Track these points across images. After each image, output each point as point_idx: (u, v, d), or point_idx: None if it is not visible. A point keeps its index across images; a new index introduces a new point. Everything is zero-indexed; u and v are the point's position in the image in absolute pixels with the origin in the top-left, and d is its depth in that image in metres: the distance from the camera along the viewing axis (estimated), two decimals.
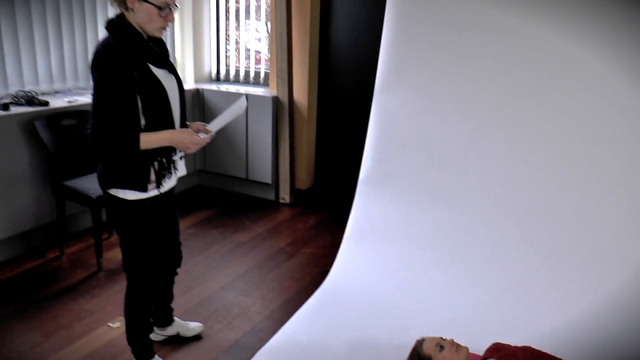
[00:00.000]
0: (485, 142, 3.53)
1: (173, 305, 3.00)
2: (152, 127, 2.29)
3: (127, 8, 2.26)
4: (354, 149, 3.92)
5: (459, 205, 3.59)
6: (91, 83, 2.27)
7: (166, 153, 2.39)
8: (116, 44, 2.21)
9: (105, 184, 2.36)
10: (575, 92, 3.27)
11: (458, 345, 2.49)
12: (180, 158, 2.52)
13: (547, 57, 3.32)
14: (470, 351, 2.60)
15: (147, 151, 2.30)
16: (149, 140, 2.26)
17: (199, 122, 2.63)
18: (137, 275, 2.54)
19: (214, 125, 2.50)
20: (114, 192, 2.36)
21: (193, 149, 2.38)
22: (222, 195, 5.22)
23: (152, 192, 2.39)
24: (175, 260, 2.81)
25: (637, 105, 3.15)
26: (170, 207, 2.63)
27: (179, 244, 2.81)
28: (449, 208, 3.60)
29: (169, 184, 2.48)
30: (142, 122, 2.28)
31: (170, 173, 2.44)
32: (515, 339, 2.63)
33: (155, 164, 2.36)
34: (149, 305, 2.66)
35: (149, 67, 2.28)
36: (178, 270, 2.87)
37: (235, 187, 5.32)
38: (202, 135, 2.45)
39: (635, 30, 3.03)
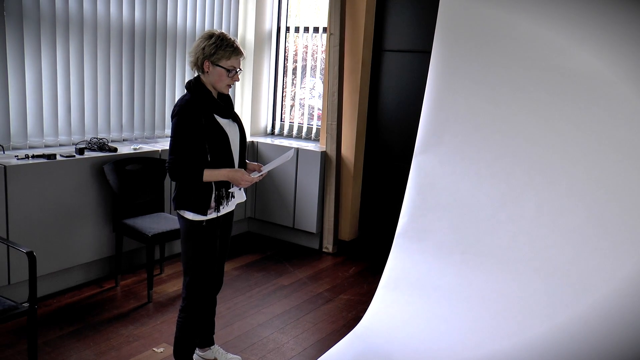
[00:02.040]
0: (516, 204, 3.71)
1: (214, 337, 3.30)
2: (214, 164, 2.81)
3: (203, 71, 2.83)
4: (395, 205, 4.16)
5: (488, 262, 3.75)
6: (167, 131, 2.73)
7: (224, 186, 2.89)
8: (191, 99, 2.82)
9: (177, 205, 2.91)
10: (600, 156, 3.44)
11: None
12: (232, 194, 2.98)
13: (575, 126, 3.52)
14: None
15: (209, 183, 2.83)
16: (210, 174, 2.80)
17: (255, 163, 3.13)
18: (193, 286, 2.94)
19: (265, 168, 3.00)
20: (182, 212, 2.89)
21: (244, 184, 2.87)
22: (269, 242, 5.51)
23: (211, 215, 2.88)
24: (217, 282, 3.14)
25: None
26: (226, 229, 3.10)
27: (223, 267, 3.18)
28: (479, 265, 3.76)
29: (226, 209, 2.95)
30: (208, 159, 2.79)
31: (227, 201, 2.93)
32: None
33: (215, 193, 2.86)
34: (198, 320, 3.01)
35: (214, 117, 2.83)
36: (221, 307, 3.17)
37: (282, 235, 5.61)
38: (254, 175, 2.93)
39: None
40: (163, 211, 4.49)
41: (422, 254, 3.90)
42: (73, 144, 4.33)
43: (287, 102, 5.95)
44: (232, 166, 2.90)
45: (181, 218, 2.92)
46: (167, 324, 3.67)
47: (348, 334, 3.57)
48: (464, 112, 3.84)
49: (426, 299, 3.75)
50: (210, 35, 2.82)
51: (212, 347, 3.29)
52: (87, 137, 4.45)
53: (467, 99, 3.83)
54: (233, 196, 2.96)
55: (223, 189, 2.89)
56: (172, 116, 2.82)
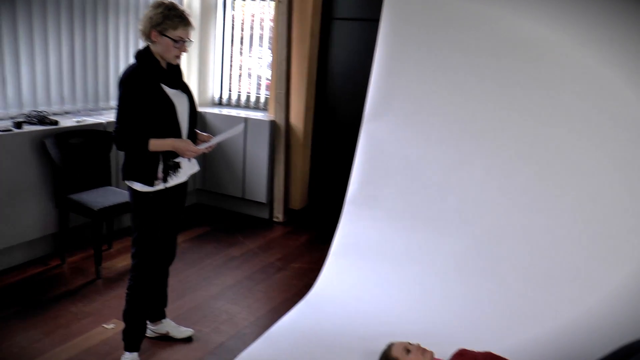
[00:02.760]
0: (465, 168, 3.77)
1: (166, 310, 3.28)
2: (161, 135, 2.77)
3: (152, 41, 2.77)
4: (345, 173, 4.16)
5: (438, 226, 3.82)
6: (112, 103, 2.64)
7: (171, 156, 2.83)
8: (138, 68, 2.77)
9: (125, 176, 2.86)
10: (546, 119, 3.52)
11: (424, 350, 2.70)
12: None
13: (523, 90, 3.58)
14: (438, 357, 2.81)
15: (156, 153, 2.78)
16: (156, 144, 2.75)
17: (205, 134, 3.08)
18: (142, 258, 2.90)
19: (214, 140, 2.96)
20: (130, 183, 2.85)
21: (189, 155, 2.84)
22: (218, 213, 5.46)
23: (159, 187, 2.82)
24: (169, 254, 3.11)
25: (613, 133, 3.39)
26: (178, 201, 3.05)
27: (175, 238, 3.14)
28: (429, 228, 3.83)
29: (175, 180, 2.90)
30: (154, 129, 2.74)
31: (175, 172, 2.87)
32: (479, 348, 2.82)
33: (162, 164, 2.81)
34: (147, 293, 2.96)
35: (161, 87, 2.78)
36: (172, 280, 3.14)
37: (231, 206, 5.57)
38: (202, 146, 2.89)
39: None
40: (110, 185, 4.38)
41: (372, 220, 3.94)
42: (10, 118, 4.15)
43: (235, 71, 5.85)
44: (180, 137, 2.85)
45: (130, 189, 2.87)
46: (117, 300, 3.61)
47: (300, 302, 3.59)
48: (413, 79, 3.85)
49: (377, 265, 3.79)
50: (159, 4, 2.75)
51: (163, 321, 3.26)
52: (26, 110, 4.28)
53: (416, 66, 3.84)
54: (180, 167, 2.90)
55: (170, 160, 2.84)
56: (118, 85, 2.77)
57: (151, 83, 2.75)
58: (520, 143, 3.62)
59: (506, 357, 2.75)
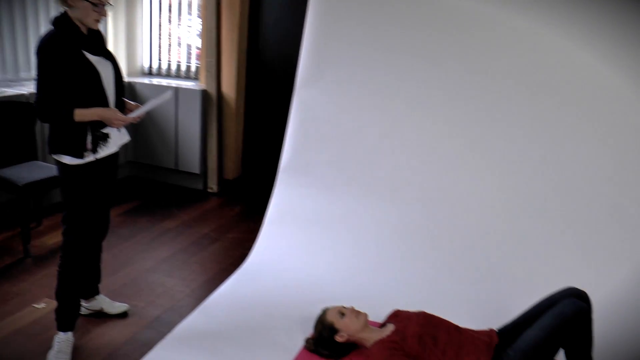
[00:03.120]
0: (398, 134, 3.82)
1: (100, 286, 3.22)
2: (87, 104, 2.65)
3: (69, 5, 2.63)
4: (279, 141, 4.15)
5: (372, 191, 3.88)
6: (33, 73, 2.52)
7: (99, 127, 2.73)
8: (55, 34, 2.62)
9: (51, 149, 2.73)
10: (478, 88, 3.61)
11: (358, 312, 2.77)
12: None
13: (454, 57, 3.64)
14: (373, 319, 2.88)
15: (83, 124, 2.66)
16: (81, 114, 2.63)
17: (134, 103, 2.99)
18: (74, 234, 2.80)
19: (142, 109, 2.88)
20: (57, 156, 2.72)
21: (117, 125, 2.75)
22: (152, 186, 5.38)
23: (89, 158, 2.72)
24: (102, 228, 3.03)
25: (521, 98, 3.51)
26: (110, 173, 2.95)
27: (108, 212, 3.06)
28: (363, 194, 3.88)
29: (105, 151, 2.80)
30: (79, 98, 2.63)
31: (104, 142, 2.77)
32: (414, 309, 2.91)
33: (90, 134, 2.70)
34: (80, 269, 2.87)
35: (83, 54, 2.64)
36: (106, 255, 3.06)
37: (165, 178, 5.49)
38: (131, 115, 2.81)
39: None
40: (37, 159, 4.23)
41: (306, 187, 3.96)
42: None
43: (164, 40, 5.70)
44: (106, 106, 2.75)
45: (58, 163, 2.76)
46: (48, 278, 3.51)
47: (235, 272, 3.60)
48: (345, 46, 3.85)
49: (312, 232, 3.83)
50: None
51: (97, 297, 3.20)
52: None
53: (348, 33, 3.84)
54: (109, 137, 2.80)
55: (98, 130, 2.74)
56: (36, 53, 2.61)
57: (71, 50, 2.61)
58: (451, 109, 3.69)
59: (439, 316, 2.86)
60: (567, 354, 2.51)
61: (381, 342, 2.64)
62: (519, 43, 3.51)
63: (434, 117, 3.74)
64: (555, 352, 2.45)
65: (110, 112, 2.71)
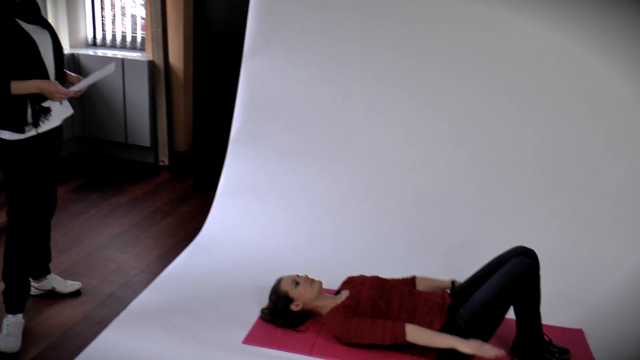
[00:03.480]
0: (349, 101, 3.82)
1: (51, 265, 3.15)
2: (24, 76, 2.52)
3: None
4: (229, 112, 4.09)
5: (324, 159, 3.88)
6: None
7: (39, 100, 2.61)
8: None
9: None
10: (428, 56, 3.64)
11: (312, 280, 2.79)
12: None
13: (404, 24, 3.64)
14: (328, 287, 2.91)
15: (22, 97, 2.54)
16: (19, 86, 2.51)
17: (75, 75, 2.89)
18: (18, 214, 2.71)
19: (84, 82, 2.75)
20: None
21: (58, 98, 2.62)
22: (101, 161, 5.28)
23: (30, 133, 2.62)
24: (49, 206, 2.96)
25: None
26: (54, 148, 2.85)
27: (55, 189, 2.98)
28: (315, 163, 3.89)
29: (48, 125, 2.70)
30: (16, 70, 2.50)
31: (46, 116, 2.66)
32: (369, 274, 2.95)
33: (30, 108, 2.59)
34: (26, 249, 2.79)
35: (17, 22, 2.52)
36: (56, 234, 2.99)
37: (115, 152, 5.38)
38: (72, 89, 2.69)
39: None
40: None
41: (258, 157, 3.94)
42: None
43: (108, 11, 5.53)
44: (46, 78, 2.64)
45: None
46: None
47: (189, 246, 3.58)
48: (292, 12, 3.80)
49: (265, 202, 3.82)
50: None
51: (48, 277, 3.12)
52: None
53: (295, 2, 3.78)
54: (50, 111, 2.70)
55: (39, 104, 2.64)
56: None
57: (3, 18, 2.48)
58: (403, 73, 3.71)
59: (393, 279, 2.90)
60: (516, 311, 2.58)
61: (336, 309, 2.67)
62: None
63: (385, 81, 3.75)
64: (505, 309, 2.53)
65: (50, 84, 2.59)
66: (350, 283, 2.88)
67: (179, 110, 5.22)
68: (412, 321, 2.59)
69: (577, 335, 2.91)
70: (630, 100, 3.39)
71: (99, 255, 3.57)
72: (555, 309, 3.08)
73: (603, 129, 3.47)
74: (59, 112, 2.78)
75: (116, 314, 2.89)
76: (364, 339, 2.58)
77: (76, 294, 3.15)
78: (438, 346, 2.51)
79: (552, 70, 3.48)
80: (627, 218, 3.50)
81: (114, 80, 5.03)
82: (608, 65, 3.37)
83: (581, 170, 3.54)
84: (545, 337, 2.66)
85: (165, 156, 5.21)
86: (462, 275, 2.90)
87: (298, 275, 2.81)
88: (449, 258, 3.43)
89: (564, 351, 2.69)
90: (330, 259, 3.42)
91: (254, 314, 2.91)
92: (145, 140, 5.16)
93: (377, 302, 2.66)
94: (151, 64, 5.02)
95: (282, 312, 2.77)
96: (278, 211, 3.76)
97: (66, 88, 2.69)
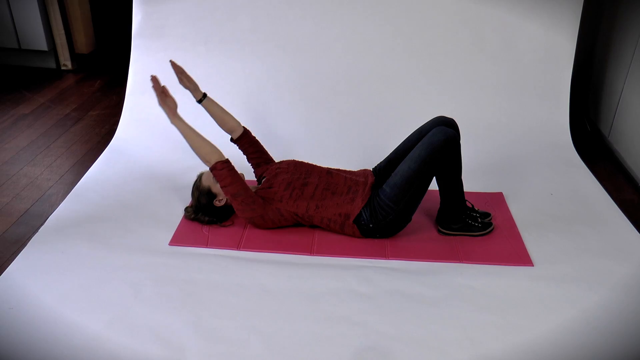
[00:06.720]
0: None
1: None
2: None
3: None
4: (129, 5, 3.80)
5: (233, 48, 3.73)
6: None
7: None
8: None
9: None
10: None
11: None
12: None
13: None
14: (251, 179, 2.86)
15: None
16: None
17: None
18: None
19: None
20: None
21: None
22: None
23: None
24: None
25: None
26: None
27: None
28: (224, 51, 3.73)
29: None
30: None
31: None
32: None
33: None
34: None
35: None
36: None
37: (9, 60, 4.98)
38: None
39: None
40: None
41: (164, 50, 3.73)
42: None
43: None
44: None
45: None
46: None
47: (105, 150, 3.43)
48: None
49: (179, 95, 3.62)
50: None
51: None
52: None
53: None
54: None
55: None
56: None
57: None
58: None
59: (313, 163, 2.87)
60: (438, 181, 2.61)
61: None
62: None
63: None
64: (429, 181, 2.54)
65: None
66: (268, 169, 2.83)
67: (74, 7, 4.82)
68: (331, 201, 2.58)
69: (497, 198, 3.00)
70: None
71: (8, 172, 3.37)
72: (476, 175, 3.17)
73: None
74: None
75: (34, 230, 2.76)
76: (236, 198, 2.58)
77: None
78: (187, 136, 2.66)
79: None
80: (542, 83, 3.56)
81: None
82: None
83: (497, 37, 3.53)
84: (467, 203, 2.72)
85: (67, 59, 4.87)
86: (385, 151, 2.90)
87: None
88: (370, 136, 3.43)
89: (486, 215, 2.78)
90: None
91: (178, 214, 2.84)
92: (42, 44, 4.77)
93: (291, 184, 2.63)
94: None
95: (206, 209, 2.71)
96: (190, 105, 3.61)
97: None
